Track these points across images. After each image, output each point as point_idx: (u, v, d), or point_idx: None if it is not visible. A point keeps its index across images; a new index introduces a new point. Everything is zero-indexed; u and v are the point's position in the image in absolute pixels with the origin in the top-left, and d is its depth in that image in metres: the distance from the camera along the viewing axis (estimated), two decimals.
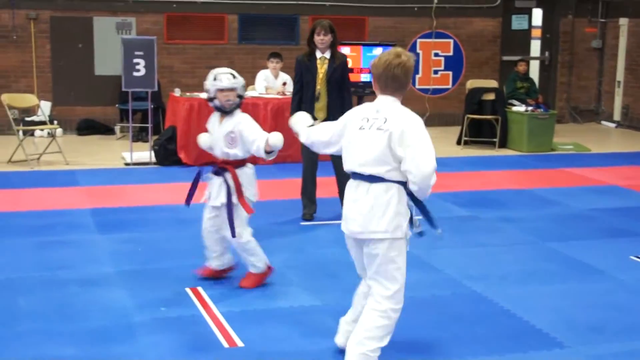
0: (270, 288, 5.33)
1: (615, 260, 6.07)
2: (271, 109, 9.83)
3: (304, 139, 4.33)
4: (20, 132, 10.23)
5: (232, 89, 5.16)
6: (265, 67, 10.66)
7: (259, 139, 5.05)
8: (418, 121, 3.84)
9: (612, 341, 4.55)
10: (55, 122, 11.49)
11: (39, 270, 5.63)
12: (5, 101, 9.91)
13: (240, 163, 5.19)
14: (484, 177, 9.34)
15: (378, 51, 10.03)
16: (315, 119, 6.27)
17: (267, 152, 5.03)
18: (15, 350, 4.28)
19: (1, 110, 10.72)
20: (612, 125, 14.18)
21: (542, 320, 4.81)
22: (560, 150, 11.31)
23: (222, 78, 5.16)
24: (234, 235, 5.17)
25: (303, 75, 6.99)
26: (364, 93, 10.21)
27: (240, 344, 4.41)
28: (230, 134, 5.16)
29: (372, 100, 4.02)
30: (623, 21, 13.90)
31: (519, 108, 11.40)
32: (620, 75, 14.07)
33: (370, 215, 3.87)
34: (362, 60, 10.61)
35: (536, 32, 14.44)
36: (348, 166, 3.99)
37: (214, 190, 5.24)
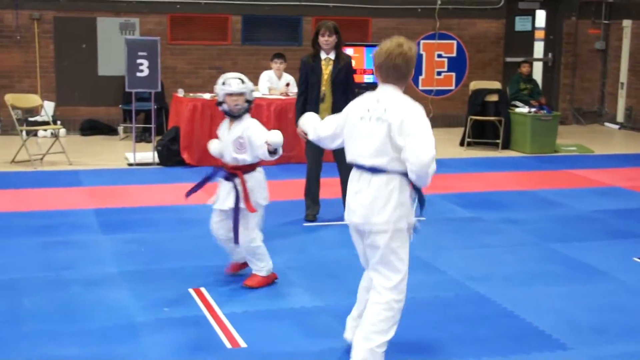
0: (273, 289, 5.34)
1: (618, 262, 6.07)
2: (274, 109, 9.84)
3: (312, 136, 4.35)
4: (24, 133, 10.23)
5: (240, 94, 5.19)
6: (269, 68, 10.66)
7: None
8: (418, 110, 3.82)
9: (614, 342, 4.55)
10: (59, 122, 11.52)
11: (43, 270, 5.64)
12: (8, 101, 9.93)
13: (249, 168, 5.23)
14: (487, 179, 9.34)
15: None
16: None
17: (270, 153, 5.05)
18: (19, 350, 4.29)
19: (5, 110, 10.75)
20: (616, 126, 14.16)
21: (545, 321, 4.81)
22: (563, 152, 11.30)
23: (231, 83, 5.20)
24: (236, 242, 5.21)
25: (308, 77, 6.99)
26: None
27: (243, 344, 4.42)
28: (239, 139, 5.19)
29: None
30: (626, 23, 13.89)
31: (522, 109, 11.40)
32: (623, 76, 14.05)
33: (372, 206, 3.87)
34: (365, 61, 10.63)
35: (539, 34, 14.44)
36: (350, 157, 4.01)
37: (223, 194, 5.27)
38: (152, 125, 10.15)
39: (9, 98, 9.98)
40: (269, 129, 5.24)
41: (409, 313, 4.09)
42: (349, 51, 9.33)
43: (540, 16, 14.33)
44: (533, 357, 4.33)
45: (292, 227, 6.90)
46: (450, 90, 13.74)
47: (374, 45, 11.21)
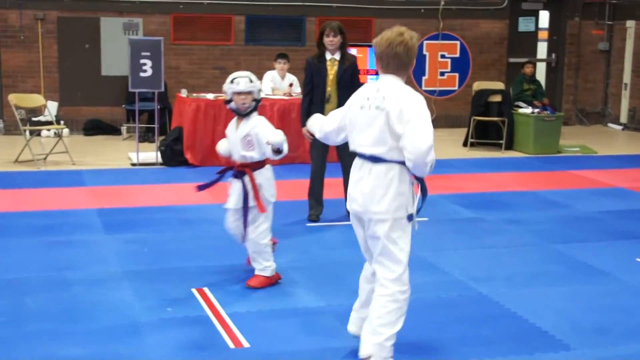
0: (276, 289, 5.34)
1: (620, 262, 6.06)
2: (277, 109, 9.84)
3: (318, 134, 4.35)
4: (27, 132, 10.26)
5: (248, 93, 5.22)
6: (272, 68, 10.67)
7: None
8: (417, 99, 3.81)
9: (617, 343, 4.54)
10: (62, 122, 11.54)
11: (46, 270, 5.65)
12: (12, 101, 9.94)
13: (257, 165, 5.26)
14: (490, 179, 9.33)
15: None
16: None
17: (275, 152, 5.08)
18: (22, 350, 4.29)
19: (8, 110, 10.77)
20: (619, 127, 14.15)
21: (548, 322, 4.80)
22: (566, 153, 11.29)
23: (239, 81, 5.23)
24: (244, 240, 5.25)
25: (313, 77, 6.98)
26: None
27: (246, 344, 4.42)
28: (246, 137, 5.23)
29: None
30: (630, 24, 13.88)
31: (526, 110, 11.39)
32: (627, 77, 14.04)
33: (371, 195, 3.88)
34: (368, 61, 10.62)
35: (543, 34, 14.43)
36: (352, 146, 4.03)
37: (234, 193, 5.30)
38: (155, 125, 10.16)
39: (13, 98, 9.99)
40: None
41: (412, 313, 4.09)
42: (352, 51, 9.32)
43: (544, 17, 14.33)
44: (536, 358, 4.32)
45: (296, 227, 6.90)
46: (453, 91, 13.74)
47: None
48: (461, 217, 7.49)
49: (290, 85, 10.53)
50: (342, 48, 6.99)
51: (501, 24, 13.80)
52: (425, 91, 13.52)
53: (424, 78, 13.54)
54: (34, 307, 4.92)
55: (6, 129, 11.95)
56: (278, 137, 5.03)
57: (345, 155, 6.47)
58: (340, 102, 6.84)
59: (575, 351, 4.42)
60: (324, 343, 4.44)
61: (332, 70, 6.95)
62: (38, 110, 11.51)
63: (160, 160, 9.80)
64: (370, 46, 10.97)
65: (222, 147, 5.48)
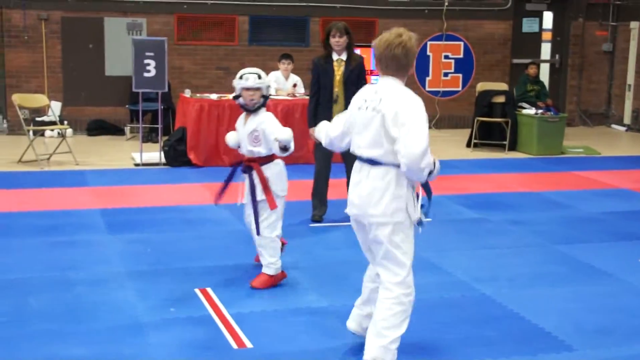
0: (279, 289, 5.34)
1: (623, 263, 6.06)
2: (281, 109, 9.84)
3: (324, 140, 4.35)
4: (31, 132, 10.27)
5: (257, 89, 5.27)
6: (276, 69, 10.67)
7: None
8: (414, 102, 3.78)
9: (620, 344, 4.54)
10: (66, 122, 11.55)
11: (49, 270, 5.65)
12: (16, 101, 9.96)
13: (265, 160, 5.30)
14: (494, 180, 9.33)
15: None
16: None
17: (281, 149, 5.14)
18: (25, 350, 4.30)
19: (12, 110, 10.79)
20: (622, 128, 14.13)
21: (551, 322, 4.80)
22: (570, 154, 11.28)
23: (248, 77, 5.28)
24: (258, 233, 5.28)
25: (320, 78, 6.97)
26: None
27: (249, 344, 4.42)
28: (253, 133, 5.28)
29: None
30: (634, 24, 13.86)
31: (529, 111, 11.39)
32: (630, 78, 14.02)
33: (368, 198, 3.88)
34: (372, 62, 10.62)
35: (547, 35, 14.42)
36: (352, 148, 4.03)
37: (247, 189, 5.35)
38: (159, 126, 10.17)
39: (16, 98, 10.01)
40: None
41: (415, 314, 4.08)
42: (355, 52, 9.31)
43: (548, 18, 14.32)
44: (538, 359, 4.32)
45: (299, 228, 6.91)
46: (457, 92, 13.73)
47: None
48: (464, 217, 7.49)
49: (294, 85, 10.53)
50: (349, 48, 6.98)
51: (505, 25, 13.79)
52: (429, 92, 13.52)
53: (427, 79, 13.54)
54: (37, 307, 4.93)
55: (10, 129, 11.98)
56: (286, 134, 5.09)
57: (349, 157, 6.45)
58: (348, 103, 6.82)
59: (577, 352, 4.41)
60: (327, 343, 4.44)
61: (338, 71, 6.95)
62: (42, 110, 11.53)
63: (163, 160, 9.81)
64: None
65: (231, 138, 5.53)
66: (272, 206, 5.25)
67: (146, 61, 9.60)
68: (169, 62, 10.28)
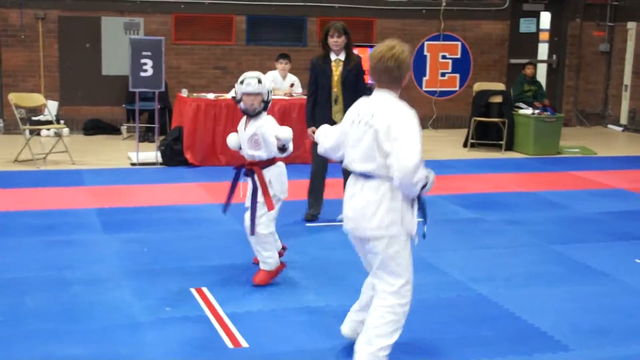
0: (275, 289, 5.34)
1: (620, 263, 6.06)
2: (278, 109, 9.83)
3: (320, 150, 4.35)
4: (27, 132, 10.26)
5: (257, 94, 5.27)
6: (273, 68, 10.67)
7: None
8: (407, 116, 3.76)
9: (616, 344, 4.54)
10: (62, 121, 11.54)
11: (45, 269, 5.65)
12: (12, 100, 9.94)
13: (266, 163, 5.32)
14: (490, 180, 9.33)
15: None
16: (334, 122, 6.27)
17: (280, 149, 5.17)
18: (21, 349, 4.29)
19: (8, 109, 10.77)
20: (619, 129, 14.15)
21: (547, 322, 4.80)
22: (566, 154, 11.29)
23: (249, 82, 5.27)
24: (252, 233, 5.30)
25: (318, 78, 6.96)
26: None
27: (244, 344, 4.42)
28: (253, 137, 5.30)
29: None
30: (631, 25, 13.87)
31: (526, 111, 11.39)
32: (627, 79, 14.04)
33: (362, 212, 3.87)
34: (369, 62, 10.61)
35: (544, 36, 14.42)
36: (345, 162, 4.02)
37: (249, 191, 5.39)
38: (156, 125, 10.16)
39: (13, 97, 9.99)
40: None
41: (411, 314, 4.07)
42: (356, 51, 9.31)
43: (545, 18, 14.32)
44: (534, 358, 4.32)
45: (295, 227, 6.90)
46: (454, 92, 13.74)
47: None
48: (461, 217, 7.49)
49: (292, 85, 10.53)
50: (347, 49, 6.97)
51: (502, 25, 13.79)
52: (426, 92, 13.52)
53: (424, 79, 13.54)
54: (33, 306, 4.92)
55: (6, 128, 11.96)
56: (286, 133, 5.13)
57: None
58: (346, 103, 6.82)
59: (574, 352, 4.42)
60: (323, 343, 4.44)
61: (337, 71, 6.94)
62: (38, 110, 11.51)
63: (160, 160, 9.80)
64: (371, 46, 10.97)
65: (232, 140, 5.54)
66: (270, 207, 5.28)
67: (143, 61, 9.59)
68: (166, 62, 10.27)
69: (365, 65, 10.28)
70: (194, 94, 10.42)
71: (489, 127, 11.56)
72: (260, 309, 4.95)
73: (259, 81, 5.27)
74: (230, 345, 4.41)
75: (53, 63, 12.02)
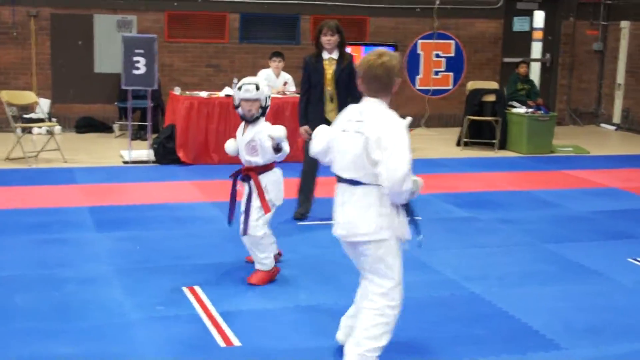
0: (268, 287, 5.33)
1: (613, 262, 6.07)
2: (271, 107, 9.68)
3: (311, 153, 4.35)
4: (19, 130, 10.21)
5: (255, 100, 5.28)
6: (267, 67, 10.64)
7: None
8: (397, 126, 3.79)
9: (609, 343, 4.54)
10: (54, 119, 11.49)
11: (37, 268, 5.62)
12: (4, 98, 9.89)
13: (263, 169, 5.34)
14: (484, 179, 9.33)
15: None
16: (327, 120, 6.26)
17: (275, 150, 5.22)
18: (11, 348, 4.27)
19: (0, 107, 10.70)
20: (612, 128, 14.17)
21: (540, 321, 4.80)
22: (559, 153, 11.30)
23: (247, 88, 5.29)
24: (244, 233, 5.31)
25: (310, 76, 6.94)
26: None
27: (237, 343, 4.40)
28: (250, 143, 5.32)
29: None
30: (624, 24, 13.89)
31: (519, 110, 11.40)
32: (620, 78, 14.06)
33: (352, 218, 3.91)
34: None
35: (537, 34, 14.43)
36: (333, 169, 4.04)
37: (245, 198, 5.40)
38: (148, 123, 10.12)
39: (4, 95, 9.94)
40: None
41: (404, 313, 4.06)
42: (349, 49, 9.29)
43: (539, 17, 14.33)
44: (527, 357, 4.32)
45: (287, 226, 6.88)
46: (447, 90, 13.73)
47: (372, 45, 11.21)
48: (454, 216, 7.48)
49: (285, 83, 10.50)
50: (341, 47, 6.96)
51: (496, 24, 13.80)
52: (420, 90, 13.51)
53: (418, 77, 13.53)
54: (24, 305, 4.90)
55: None
56: (279, 132, 5.16)
57: None
58: (341, 102, 6.80)
59: (566, 350, 4.42)
60: (316, 341, 4.43)
61: (329, 70, 6.92)
62: (30, 108, 11.45)
63: (152, 158, 9.77)
64: (364, 45, 10.97)
65: (229, 146, 5.56)
66: (267, 210, 5.30)
67: (136, 58, 9.56)
68: (158, 60, 10.23)
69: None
70: (187, 92, 10.39)
71: (482, 125, 11.56)
72: (252, 308, 4.94)
73: (257, 87, 5.29)
74: (222, 344, 4.39)
75: (45, 61, 11.97)
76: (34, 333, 4.46)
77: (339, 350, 4.20)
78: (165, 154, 9.73)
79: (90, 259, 5.86)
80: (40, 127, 11.19)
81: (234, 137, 5.60)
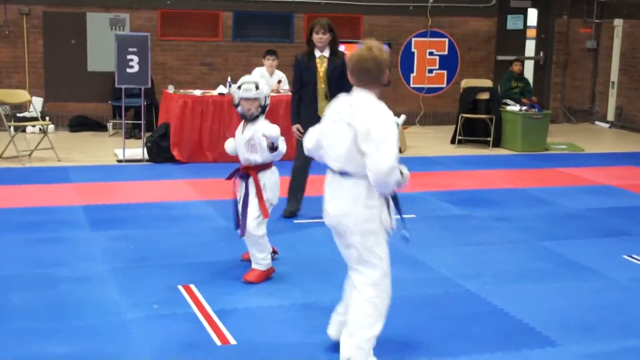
0: (263, 285, 5.32)
1: (608, 260, 6.08)
2: None
3: (305, 151, 4.39)
4: (12, 128, 10.16)
5: (254, 99, 5.29)
6: (260, 65, 10.62)
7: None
8: (386, 118, 3.83)
9: (604, 340, 4.55)
10: (47, 118, 11.45)
11: (31, 267, 5.60)
12: None
13: (261, 167, 5.35)
14: (478, 176, 9.34)
15: None
16: (320, 118, 6.25)
17: (270, 149, 5.21)
18: (7, 347, 4.25)
19: None
20: (606, 125, 14.19)
21: (535, 318, 4.80)
22: (553, 150, 11.31)
23: (246, 87, 5.31)
24: (242, 234, 5.32)
25: (302, 75, 6.93)
26: None
27: (232, 341, 4.39)
28: (250, 141, 5.34)
29: None
30: (618, 22, 13.91)
31: (514, 108, 11.40)
32: (614, 76, 14.08)
33: (341, 208, 3.95)
34: None
35: (531, 32, 14.44)
36: (325, 160, 4.08)
37: (241, 194, 5.41)
38: (142, 122, 10.10)
39: None
40: None
41: (399, 311, 4.07)
42: (340, 48, 9.28)
43: (532, 15, 14.34)
44: (523, 354, 4.32)
45: (282, 224, 6.87)
46: (441, 88, 13.73)
47: None
48: (449, 214, 7.48)
49: (279, 82, 10.49)
50: (333, 45, 6.94)
51: (490, 22, 13.80)
52: (414, 88, 13.51)
53: (412, 75, 13.53)
54: (19, 304, 4.87)
55: None
56: (273, 131, 5.16)
57: None
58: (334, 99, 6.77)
59: (562, 347, 4.42)
60: (311, 340, 4.42)
61: (321, 68, 6.91)
62: (23, 106, 11.41)
63: (146, 156, 9.75)
64: (358, 43, 10.93)
65: (229, 145, 5.58)
66: (265, 214, 5.32)
67: (129, 57, 9.53)
68: (152, 58, 10.20)
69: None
70: (181, 91, 10.36)
71: (477, 123, 11.57)
72: (248, 306, 4.93)
73: (257, 87, 5.31)
74: (218, 342, 4.38)
75: (38, 59, 11.93)
76: (30, 332, 4.44)
77: (335, 347, 4.19)
78: (160, 153, 9.71)
79: (84, 258, 5.84)
80: (33, 126, 11.15)
81: (229, 135, 5.61)
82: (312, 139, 4.26)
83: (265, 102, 5.36)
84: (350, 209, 3.91)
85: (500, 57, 13.87)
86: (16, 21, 11.73)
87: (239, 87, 5.32)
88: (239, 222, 5.37)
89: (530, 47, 14.47)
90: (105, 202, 7.62)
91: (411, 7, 13.30)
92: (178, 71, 12.37)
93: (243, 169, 5.39)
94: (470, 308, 5.00)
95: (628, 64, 13.82)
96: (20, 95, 10.40)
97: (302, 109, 6.90)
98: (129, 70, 9.54)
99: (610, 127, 14.10)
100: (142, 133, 10.02)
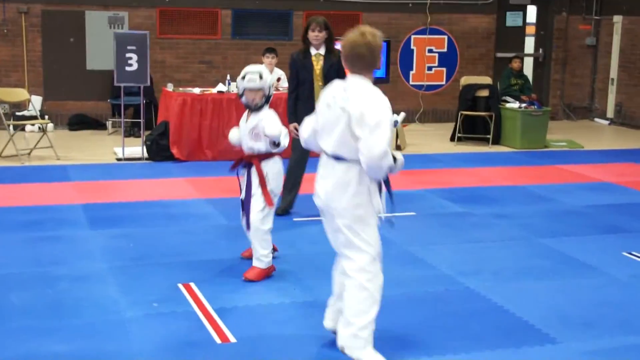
0: (263, 283, 5.32)
1: (608, 257, 6.07)
2: None
3: (302, 143, 4.40)
4: (11, 127, 10.16)
5: (259, 89, 5.31)
6: (259, 63, 10.60)
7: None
8: (380, 103, 3.84)
9: (604, 337, 4.55)
10: (46, 116, 11.44)
11: (30, 266, 5.59)
12: None
13: (265, 156, 5.35)
14: (478, 174, 9.33)
15: None
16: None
17: (272, 144, 5.26)
18: (6, 346, 4.24)
19: None
20: (606, 122, 14.19)
21: (535, 315, 4.80)
22: (553, 147, 11.31)
23: (250, 78, 5.32)
24: (248, 228, 5.32)
25: (299, 73, 6.92)
26: None
27: (232, 339, 4.39)
28: (254, 130, 5.34)
29: None
30: (617, 19, 13.90)
31: (513, 105, 11.40)
32: (614, 72, 14.07)
33: (332, 192, 3.98)
34: None
35: (530, 29, 14.44)
36: (320, 144, 4.10)
37: (244, 185, 5.41)
38: (141, 120, 10.09)
39: None
40: None
41: (399, 307, 4.07)
42: (338, 46, 9.27)
43: (531, 11, 14.33)
44: (523, 352, 4.32)
45: (282, 221, 6.85)
46: (441, 86, 13.73)
47: None
48: (449, 211, 7.48)
49: (278, 79, 10.48)
50: (329, 43, 6.93)
51: (489, 19, 13.79)
52: (413, 86, 13.51)
53: (411, 73, 13.52)
54: (18, 303, 4.87)
55: None
56: (275, 130, 5.18)
57: None
58: None
59: (562, 344, 4.42)
60: (310, 337, 4.41)
61: (317, 66, 6.90)
62: (22, 105, 11.41)
63: (146, 155, 9.74)
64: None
65: (233, 135, 5.58)
66: (269, 203, 5.31)
67: (128, 55, 9.52)
68: (151, 56, 10.19)
69: None
70: (180, 89, 10.36)
71: (476, 121, 11.56)
72: (248, 304, 4.93)
73: (261, 77, 5.32)
74: (218, 340, 4.38)
75: (37, 58, 11.92)
76: (29, 331, 4.43)
77: (335, 345, 4.19)
78: (159, 151, 9.70)
79: (84, 257, 5.84)
80: (32, 125, 11.14)
81: (228, 133, 5.61)
82: (309, 128, 4.27)
83: (269, 92, 5.36)
84: (341, 195, 3.94)
85: (499, 54, 13.87)
86: (15, 20, 11.72)
87: (243, 78, 5.31)
88: (249, 220, 5.37)
89: (529, 44, 14.46)
90: (105, 200, 7.61)
91: (410, 4, 13.29)
92: (177, 69, 12.36)
93: (246, 157, 5.39)
94: (470, 305, 5.00)
95: (627, 61, 13.82)
96: (19, 94, 10.40)
97: (299, 107, 6.88)
98: (128, 68, 9.53)
99: (609, 124, 14.10)
100: (142, 131, 10.01)
